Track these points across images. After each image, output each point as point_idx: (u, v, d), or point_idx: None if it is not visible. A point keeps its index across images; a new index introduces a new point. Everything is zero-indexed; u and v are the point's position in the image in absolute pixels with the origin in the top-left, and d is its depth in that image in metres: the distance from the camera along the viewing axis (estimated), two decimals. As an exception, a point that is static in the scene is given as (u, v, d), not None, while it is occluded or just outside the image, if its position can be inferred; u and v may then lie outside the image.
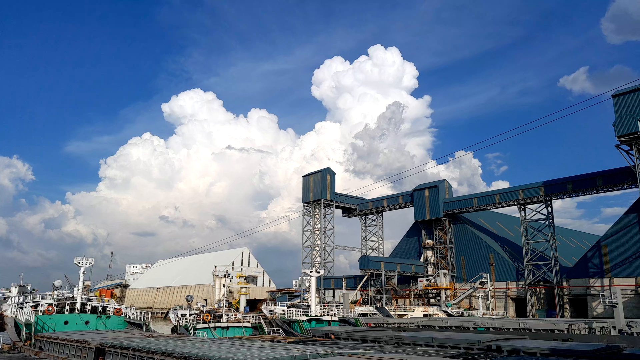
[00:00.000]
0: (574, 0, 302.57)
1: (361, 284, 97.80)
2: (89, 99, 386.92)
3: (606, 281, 76.78)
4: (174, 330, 50.39)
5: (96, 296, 53.21)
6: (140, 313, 49.95)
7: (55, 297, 46.14)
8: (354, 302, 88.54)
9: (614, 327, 43.63)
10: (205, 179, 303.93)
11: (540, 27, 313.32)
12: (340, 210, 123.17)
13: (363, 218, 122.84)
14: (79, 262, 47.25)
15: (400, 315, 77.96)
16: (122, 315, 46.74)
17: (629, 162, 71.53)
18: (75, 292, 47.22)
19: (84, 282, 48.80)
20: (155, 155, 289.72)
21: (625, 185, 79.11)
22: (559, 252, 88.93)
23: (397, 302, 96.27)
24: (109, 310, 46.22)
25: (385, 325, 59.09)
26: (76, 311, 44.61)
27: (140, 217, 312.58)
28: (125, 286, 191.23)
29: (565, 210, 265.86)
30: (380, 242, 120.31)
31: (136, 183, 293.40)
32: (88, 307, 45.46)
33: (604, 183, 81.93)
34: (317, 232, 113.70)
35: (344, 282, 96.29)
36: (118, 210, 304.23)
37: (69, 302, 45.22)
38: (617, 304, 42.69)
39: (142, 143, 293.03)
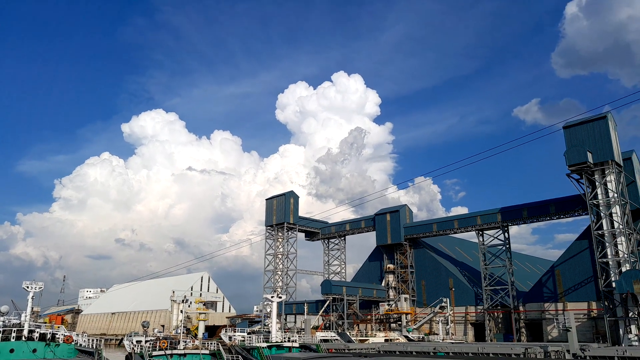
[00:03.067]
0: (526, 35, 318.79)
1: (323, 308, 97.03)
2: (45, 117, 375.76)
3: (560, 305, 79.02)
4: (129, 357, 48.55)
5: (45, 322, 50.75)
6: (93, 340, 47.86)
7: (0, 323, 43.71)
8: (316, 328, 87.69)
9: (568, 351, 44.58)
10: (164, 200, 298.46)
11: (496, 60, 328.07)
12: (303, 234, 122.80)
13: (326, 242, 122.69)
14: (27, 287, 45.05)
15: (361, 341, 77.62)
16: (73, 343, 44.54)
17: (579, 190, 74.64)
18: (22, 318, 44.86)
19: (32, 308, 46.50)
20: (114, 176, 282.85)
21: (577, 212, 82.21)
22: (515, 277, 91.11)
23: (358, 327, 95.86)
24: (58, 338, 43.87)
25: (346, 350, 58.70)
26: (23, 339, 42.18)
27: (95, 239, 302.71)
28: (77, 312, 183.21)
29: (521, 236, 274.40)
30: (343, 266, 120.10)
31: (93, 204, 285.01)
32: (36, 335, 43.08)
33: (556, 210, 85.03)
34: (280, 256, 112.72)
35: (305, 307, 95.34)
36: (72, 232, 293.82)
37: (15, 329, 42.83)
38: (571, 328, 43.62)
39: (101, 163, 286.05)
